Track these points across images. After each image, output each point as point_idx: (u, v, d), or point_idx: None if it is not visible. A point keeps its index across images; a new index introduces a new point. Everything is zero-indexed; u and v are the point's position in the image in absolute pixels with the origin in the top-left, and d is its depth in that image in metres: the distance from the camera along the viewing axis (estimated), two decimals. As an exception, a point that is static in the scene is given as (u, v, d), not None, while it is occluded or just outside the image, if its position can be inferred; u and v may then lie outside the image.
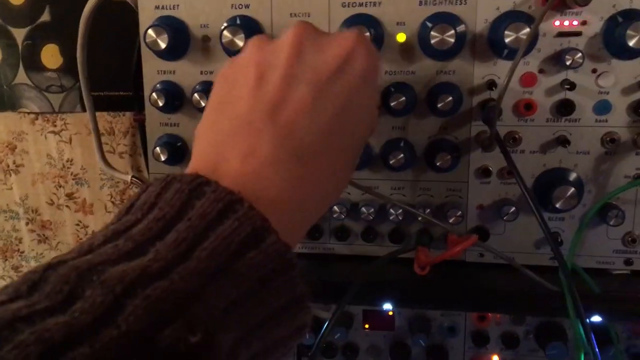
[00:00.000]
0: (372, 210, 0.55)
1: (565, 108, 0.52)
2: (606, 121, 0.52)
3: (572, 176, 0.53)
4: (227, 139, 0.34)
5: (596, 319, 0.51)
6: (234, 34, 0.53)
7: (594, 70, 0.51)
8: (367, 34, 0.51)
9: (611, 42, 0.50)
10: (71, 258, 0.26)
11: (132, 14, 0.58)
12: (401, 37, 0.53)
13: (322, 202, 0.36)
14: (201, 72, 0.58)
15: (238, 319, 0.28)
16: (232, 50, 0.54)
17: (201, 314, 0.25)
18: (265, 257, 0.28)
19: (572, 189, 0.51)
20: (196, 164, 0.34)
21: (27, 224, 0.89)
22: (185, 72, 0.58)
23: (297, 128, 0.33)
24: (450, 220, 0.54)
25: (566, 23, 0.51)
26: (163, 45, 0.55)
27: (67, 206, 0.86)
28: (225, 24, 0.54)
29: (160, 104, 0.57)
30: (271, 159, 0.32)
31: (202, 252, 0.27)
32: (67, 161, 0.83)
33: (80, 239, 0.88)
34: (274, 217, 0.29)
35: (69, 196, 0.86)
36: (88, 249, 0.27)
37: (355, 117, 0.36)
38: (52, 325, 0.23)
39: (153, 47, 0.55)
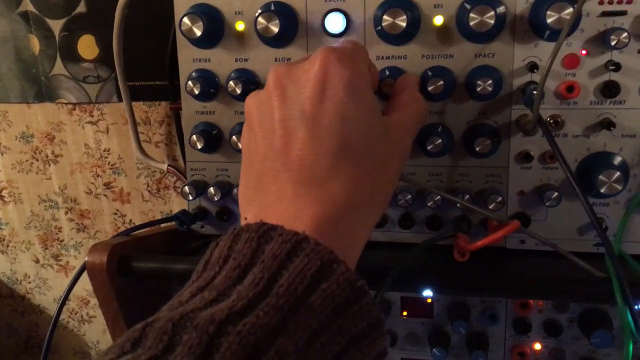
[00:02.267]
0: (409, 196, 0.55)
1: (609, 90, 0.50)
2: (653, 103, 0.50)
3: (617, 160, 0.51)
4: (257, 193, 0.37)
5: (643, 306, 0.50)
6: (268, 20, 0.53)
7: (640, 51, 0.50)
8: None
9: (659, 20, 0.48)
10: (164, 314, 0.29)
11: (167, 3, 0.58)
12: (439, 20, 0.52)
13: (365, 215, 0.37)
14: (236, 60, 0.57)
15: (321, 348, 0.30)
16: (266, 37, 0.53)
17: (288, 344, 0.28)
18: (337, 287, 0.30)
19: (617, 173, 0.49)
20: (244, 215, 0.38)
21: (66, 213, 0.91)
22: (220, 60, 0.58)
23: (304, 160, 0.35)
24: (490, 207, 0.53)
25: (610, 2, 0.49)
26: (198, 33, 0.55)
27: (104, 195, 0.88)
28: (259, 11, 0.54)
29: (196, 92, 0.57)
30: (293, 195, 0.35)
31: (279, 289, 0.29)
32: (104, 151, 0.84)
33: (118, 227, 0.89)
34: (327, 241, 0.32)
35: (107, 185, 0.87)
36: (178, 305, 0.30)
37: (356, 125, 0.37)
38: None
39: (188, 35, 0.55)
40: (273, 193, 0.36)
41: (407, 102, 0.44)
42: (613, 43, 0.48)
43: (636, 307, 0.44)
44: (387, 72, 0.53)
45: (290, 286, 0.29)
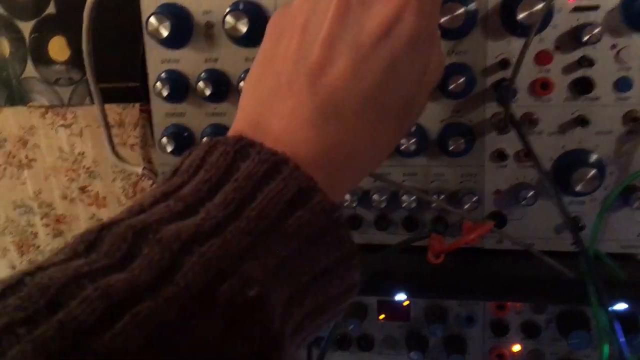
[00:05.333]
0: (385, 197, 0.54)
1: (583, 86, 0.49)
2: (628, 99, 0.49)
3: (593, 157, 0.51)
4: (268, 98, 0.34)
5: (621, 306, 0.49)
6: (237, 19, 0.52)
7: (614, 46, 0.49)
8: None
9: (631, 15, 0.47)
10: (123, 218, 0.27)
11: (138, 3, 0.57)
12: (410, 17, 0.51)
13: (365, 163, 0.36)
14: (205, 60, 0.56)
15: (289, 277, 0.28)
16: (235, 36, 0.52)
17: (255, 270, 0.26)
18: (313, 216, 0.29)
19: (593, 170, 0.49)
20: (240, 119, 0.35)
21: (41, 218, 0.89)
22: (189, 61, 0.56)
23: (336, 92, 0.32)
24: (466, 207, 0.52)
25: (583, -3, 0.48)
26: (165, 34, 0.53)
27: (80, 200, 0.86)
28: (227, 9, 0.52)
29: (165, 93, 0.55)
30: (310, 122, 0.32)
31: (250, 212, 0.27)
32: (79, 154, 0.83)
33: (95, 232, 0.87)
34: (315, 174, 0.30)
35: (82, 190, 0.85)
36: (139, 209, 0.28)
37: (401, 81, 0.34)
38: (114, 282, 0.23)
39: (155, 35, 0.54)
40: (286, 107, 0.33)
41: (437, 62, 0.40)
42: (585, 38, 0.47)
43: (612, 307, 0.43)
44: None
45: (263, 210, 0.27)
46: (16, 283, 0.24)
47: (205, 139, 0.52)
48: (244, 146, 0.30)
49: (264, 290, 0.26)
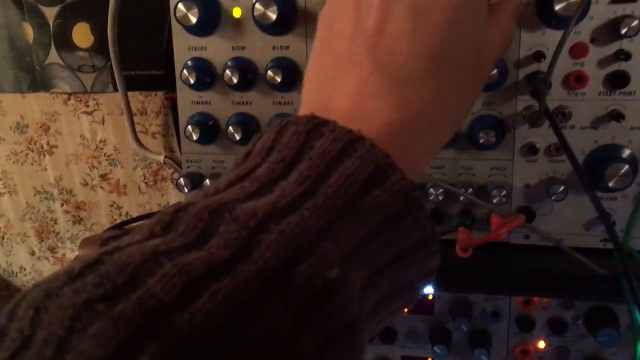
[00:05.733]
0: (412, 190, 0.53)
1: (619, 80, 0.48)
2: (664, 94, 0.49)
3: (626, 153, 0.50)
4: (332, 78, 0.33)
5: (652, 304, 0.49)
6: (266, 6, 0.51)
7: (652, 39, 0.48)
8: None
9: (672, 7, 0.46)
10: (200, 200, 0.26)
11: (162, -9, 0.57)
12: (442, 7, 0.50)
13: (441, 131, 0.34)
14: (233, 48, 0.56)
15: (367, 258, 0.27)
16: (263, 24, 0.52)
17: (334, 250, 0.25)
18: (391, 195, 0.27)
19: (626, 166, 0.48)
20: (305, 107, 0.34)
21: (61, 205, 0.89)
22: (216, 48, 0.56)
23: (398, 55, 0.31)
24: (494, 201, 0.52)
25: (621, -12, 0.47)
26: (194, 20, 0.53)
27: (101, 187, 0.86)
28: (257, -3, 0.52)
29: (192, 81, 0.55)
30: (376, 90, 0.31)
31: (327, 190, 0.26)
32: (100, 142, 0.83)
33: (115, 220, 0.88)
34: (392, 150, 0.28)
35: (103, 177, 0.85)
36: (214, 192, 0.27)
37: (465, 36, 0.33)
38: (192, 260, 0.23)
39: (183, 22, 0.53)
40: (351, 81, 0.32)
41: (503, 24, 0.38)
42: (623, 31, 0.47)
43: (645, 305, 0.43)
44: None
45: (339, 188, 0.26)
46: (95, 262, 0.23)
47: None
48: (317, 125, 0.29)
49: (343, 271, 0.25)
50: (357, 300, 0.27)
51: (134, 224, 0.61)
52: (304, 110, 0.33)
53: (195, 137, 0.56)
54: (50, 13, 0.77)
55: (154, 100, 0.78)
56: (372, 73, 0.31)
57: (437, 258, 0.31)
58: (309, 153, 0.28)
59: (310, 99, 0.34)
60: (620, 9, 0.48)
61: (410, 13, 0.31)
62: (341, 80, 0.32)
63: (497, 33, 0.37)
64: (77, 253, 0.51)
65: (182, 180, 0.58)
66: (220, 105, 0.57)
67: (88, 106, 0.81)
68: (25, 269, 0.97)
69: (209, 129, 0.57)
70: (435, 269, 0.32)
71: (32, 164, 0.88)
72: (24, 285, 0.99)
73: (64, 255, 0.94)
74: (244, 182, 0.27)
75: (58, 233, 0.92)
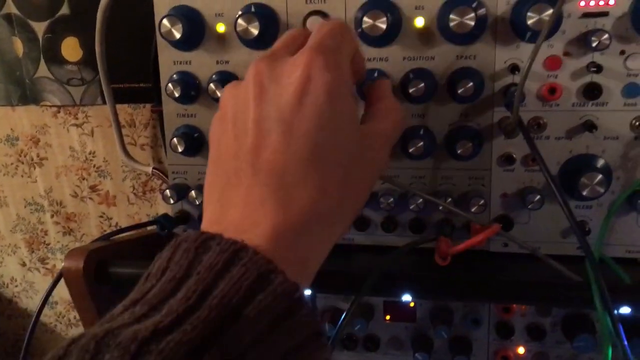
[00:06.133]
0: (392, 199, 0.54)
1: (591, 92, 0.50)
2: (635, 105, 0.50)
3: (600, 162, 0.51)
4: (223, 194, 0.36)
5: (626, 310, 0.50)
6: (248, 22, 0.52)
7: (622, 52, 0.49)
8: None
9: (640, 21, 0.47)
10: (91, 330, 0.27)
11: (150, 5, 0.58)
12: (420, 22, 0.52)
13: (331, 226, 0.36)
14: (217, 62, 0.57)
15: None
16: (246, 39, 0.53)
17: None
18: (274, 299, 0.29)
19: (600, 175, 0.49)
20: (203, 223, 0.37)
21: (52, 216, 0.90)
22: (201, 62, 0.57)
23: (275, 164, 0.34)
24: (473, 210, 0.53)
25: (592, 3, 0.49)
26: (178, 35, 0.54)
27: (90, 198, 0.87)
28: (239, 12, 0.53)
29: (177, 94, 0.56)
30: (259, 199, 0.34)
31: (212, 301, 0.28)
32: (90, 154, 0.84)
33: (104, 230, 0.88)
34: (278, 254, 0.30)
35: (92, 188, 0.86)
36: (109, 319, 0.29)
37: (334, 133, 0.36)
38: None
39: (168, 37, 0.55)
40: (238, 194, 0.35)
41: (385, 111, 0.42)
42: (594, 44, 0.48)
43: (616, 311, 0.44)
44: (376, 74, 0.53)
45: (224, 297, 0.28)
46: None
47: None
48: (205, 240, 0.31)
49: None
50: None
51: (122, 234, 0.62)
52: (203, 225, 0.36)
53: (180, 149, 0.57)
54: (40, 28, 0.78)
55: (142, 112, 0.79)
56: (255, 185, 0.34)
57: (326, 351, 0.32)
58: (198, 268, 0.29)
59: (206, 216, 0.37)
60: (592, 23, 0.49)
61: (280, 126, 0.35)
62: (230, 195, 0.35)
63: (380, 124, 0.41)
64: (62, 265, 0.52)
65: (168, 191, 0.59)
66: (205, 118, 0.58)
67: (77, 119, 0.82)
68: (16, 280, 0.98)
69: (194, 141, 0.58)
70: None
71: (22, 176, 0.88)
72: (15, 297, 0.99)
73: (54, 266, 0.94)
74: (136, 306, 0.29)
75: (48, 244, 0.93)
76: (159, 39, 0.57)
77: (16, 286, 0.98)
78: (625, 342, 0.43)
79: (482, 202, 0.53)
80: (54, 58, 0.79)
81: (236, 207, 0.34)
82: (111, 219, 0.88)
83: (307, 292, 0.38)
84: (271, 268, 0.29)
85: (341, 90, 0.37)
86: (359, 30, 0.51)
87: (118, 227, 0.87)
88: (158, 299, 0.29)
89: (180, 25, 0.54)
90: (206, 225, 0.36)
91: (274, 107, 0.36)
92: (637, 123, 0.50)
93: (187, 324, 0.27)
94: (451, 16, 0.48)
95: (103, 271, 0.53)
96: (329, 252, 0.37)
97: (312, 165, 0.34)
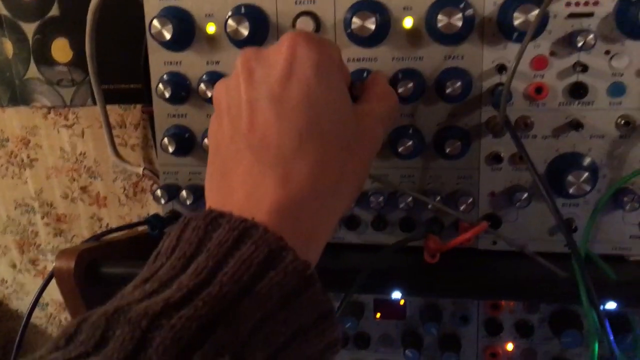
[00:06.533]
0: (382, 198, 0.55)
1: (577, 91, 0.50)
2: (620, 104, 0.51)
3: (586, 161, 0.52)
4: (224, 177, 0.36)
5: (611, 305, 0.50)
6: (238, 22, 0.53)
7: (607, 52, 0.50)
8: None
9: (625, 22, 0.48)
10: (102, 308, 0.28)
11: (140, 6, 0.58)
12: (408, 22, 0.52)
13: (331, 200, 0.36)
14: (207, 62, 0.57)
15: (265, 339, 0.29)
16: (236, 40, 0.53)
17: (228, 337, 0.27)
18: (285, 276, 0.29)
19: (586, 173, 0.50)
20: (208, 204, 0.37)
21: (42, 217, 0.90)
22: (191, 63, 0.57)
23: (270, 140, 0.35)
24: (461, 208, 0.53)
25: (577, 4, 0.49)
26: (168, 36, 0.54)
27: (81, 199, 0.87)
28: (229, 13, 0.53)
29: (167, 95, 0.56)
30: (259, 176, 0.34)
31: (223, 277, 0.28)
32: (80, 155, 0.84)
33: (95, 231, 0.88)
34: (285, 226, 0.31)
35: (83, 189, 0.86)
36: (120, 298, 0.29)
37: (325, 107, 0.36)
38: None
39: (158, 38, 0.55)
40: (238, 176, 0.35)
41: (379, 95, 0.43)
42: (580, 44, 0.48)
43: (602, 307, 0.44)
44: (365, 74, 0.53)
45: (234, 274, 0.28)
46: None
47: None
48: (215, 218, 0.31)
49: (237, 357, 0.27)
50: None
51: (113, 235, 0.62)
52: (207, 207, 0.36)
53: (171, 150, 0.58)
54: (29, 29, 0.78)
55: (133, 113, 0.79)
56: (253, 163, 0.34)
57: (336, 330, 0.33)
58: (208, 245, 0.30)
59: (210, 202, 0.37)
60: (577, 23, 0.50)
61: (272, 102, 0.35)
62: (231, 178, 0.36)
63: (372, 105, 0.41)
64: (54, 264, 0.52)
65: (158, 191, 0.59)
66: (196, 118, 0.59)
67: (68, 120, 0.82)
68: (6, 282, 0.97)
69: (185, 141, 0.58)
70: (338, 340, 0.33)
71: (12, 177, 0.88)
72: (5, 298, 0.99)
73: (45, 267, 0.94)
74: (146, 284, 0.29)
75: (39, 245, 0.93)
76: (149, 39, 0.57)
77: (6, 288, 0.98)
78: (612, 337, 0.44)
79: (470, 200, 0.53)
80: (44, 59, 0.79)
81: (238, 188, 0.34)
82: (102, 220, 0.88)
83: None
84: (282, 245, 0.30)
85: (328, 67, 0.38)
86: (348, 30, 0.52)
87: (109, 228, 0.87)
88: (168, 276, 0.29)
89: (170, 26, 0.54)
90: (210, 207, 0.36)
91: (264, 86, 0.36)
92: (622, 122, 0.50)
93: (198, 299, 0.27)
94: (439, 17, 0.49)
95: (94, 271, 0.53)
96: (333, 229, 0.37)
97: (307, 140, 0.35)
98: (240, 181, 0.34)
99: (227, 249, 0.29)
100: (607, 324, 0.44)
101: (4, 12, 0.78)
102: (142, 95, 0.75)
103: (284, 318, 0.30)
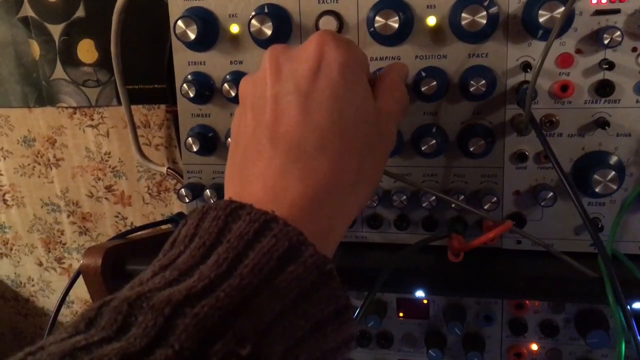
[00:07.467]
0: (405, 197, 0.55)
1: (604, 89, 0.50)
2: (648, 101, 0.50)
3: (613, 159, 0.51)
4: (243, 169, 0.36)
5: (638, 305, 0.50)
6: (262, 22, 0.53)
7: (634, 49, 0.49)
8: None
9: (652, 18, 0.48)
10: (122, 294, 0.28)
11: (165, 7, 0.59)
12: (431, 20, 0.52)
13: (350, 197, 0.36)
14: (231, 62, 0.58)
15: (283, 332, 0.29)
16: (260, 40, 0.54)
17: (248, 327, 0.27)
18: (305, 270, 0.30)
19: (612, 172, 0.49)
20: (227, 194, 0.37)
21: (68, 216, 0.91)
22: (215, 63, 0.58)
23: (292, 135, 0.35)
24: (485, 207, 0.53)
25: (604, 0, 0.49)
26: (192, 36, 0.55)
27: (106, 198, 0.88)
28: (253, 13, 0.54)
29: (191, 94, 0.57)
30: (280, 170, 0.34)
31: (243, 269, 0.28)
32: (105, 154, 0.85)
33: (120, 230, 0.90)
34: (304, 220, 0.31)
35: (108, 189, 0.87)
36: (138, 284, 0.29)
37: (348, 106, 0.37)
38: (108, 351, 0.24)
39: (183, 38, 0.55)
40: (258, 169, 0.35)
41: (387, 89, 0.43)
42: (606, 42, 0.48)
43: (629, 306, 0.44)
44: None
45: (255, 267, 0.28)
46: None
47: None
48: (235, 209, 0.31)
49: (257, 348, 0.27)
50: None
51: (137, 233, 0.63)
52: (225, 197, 0.36)
53: (195, 149, 0.58)
54: (56, 30, 0.79)
55: (157, 113, 0.80)
56: (274, 157, 0.35)
57: (353, 325, 0.33)
58: (228, 236, 0.30)
59: (228, 193, 0.37)
60: (604, 20, 0.49)
61: (297, 98, 0.36)
62: (251, 171, 0.35)
63: (385, 101, 0.41)
64: (80, 262, 0.53)
65: (183, 190, 0.59)
66: (219, 118, 0.59)
67: (93, 120, 0.83)
68: (33, 280, 0.99)
69: (209, 141, 0.59)
70: (353, 336, 0.33)
71: (39, 177, 0.90)
72: (32, 296, 1.00)
73: (70, 265, 0.96)
74: (165, 271, 0.29)
75: (65, 244, 0.94)
76: (174, 40, 0.58)
77: (33, 286, 1.00)
78: (639, 337, 0.43)
79: (494, 199, 0.53)
80: (70, 60, 0.80)
81: (257, 181, 0.35)
82: (126, 218, 0.89)
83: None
84: (301, 240, 0.30)
85: (354, 67, 0.38)
86: (372, 29, 0.52)
87: (133, 227, 0.88)
88: (188, 265, 0.29)
89: (194, 27, 0.55)
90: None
91: (291, 81, 0.37)
92: (650, 120, 0.50)
93: (220, 290, 0.27)
94: (463, 15, 0.48)
95: (120, 268, 0.54)
96: (348, 225, 0.38)
97: (330, 136, 0.35)
98: (260, 174, 0.35)
99: (248, 242, 0.29)
100: (634, 324, 0.43)
101: (31, 13, 0.79)
102: (166, 96, 0.76)
103: (303, 312, 0.30)
